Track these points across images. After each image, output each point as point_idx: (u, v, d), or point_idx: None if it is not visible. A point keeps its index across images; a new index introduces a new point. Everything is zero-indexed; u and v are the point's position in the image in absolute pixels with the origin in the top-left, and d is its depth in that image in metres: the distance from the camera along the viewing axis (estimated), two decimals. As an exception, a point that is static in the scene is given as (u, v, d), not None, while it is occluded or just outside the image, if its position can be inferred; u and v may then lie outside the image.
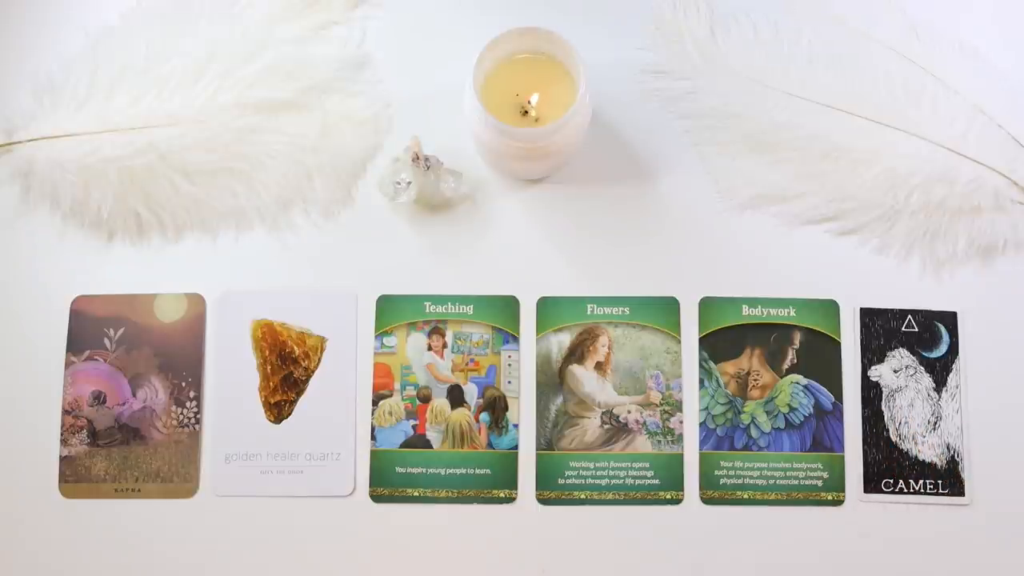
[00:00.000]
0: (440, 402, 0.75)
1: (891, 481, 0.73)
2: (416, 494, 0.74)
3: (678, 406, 0.74)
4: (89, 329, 0.75)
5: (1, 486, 0.74)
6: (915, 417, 0.74)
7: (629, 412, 0.74)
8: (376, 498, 0.73)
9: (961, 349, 0.75)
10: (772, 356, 0.75)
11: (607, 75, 0.77)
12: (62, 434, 0.74)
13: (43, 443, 0.74)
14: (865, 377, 0.75)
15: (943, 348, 0.75)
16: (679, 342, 0.75)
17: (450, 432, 0.74)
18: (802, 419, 0.74)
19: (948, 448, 0.73)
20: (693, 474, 0.74)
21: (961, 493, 0.73)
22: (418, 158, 0.74)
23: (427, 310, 0.76)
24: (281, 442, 0.74)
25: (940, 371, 0.74)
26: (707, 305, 0.75)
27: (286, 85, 0.77)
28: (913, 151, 0.75)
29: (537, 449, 0.74)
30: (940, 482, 0.73)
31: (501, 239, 0.77)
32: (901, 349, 0.75)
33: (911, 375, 0.74)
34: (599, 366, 0.75)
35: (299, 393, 0.75)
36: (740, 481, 0.73)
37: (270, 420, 0.74)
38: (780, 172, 0.76)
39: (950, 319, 0.75)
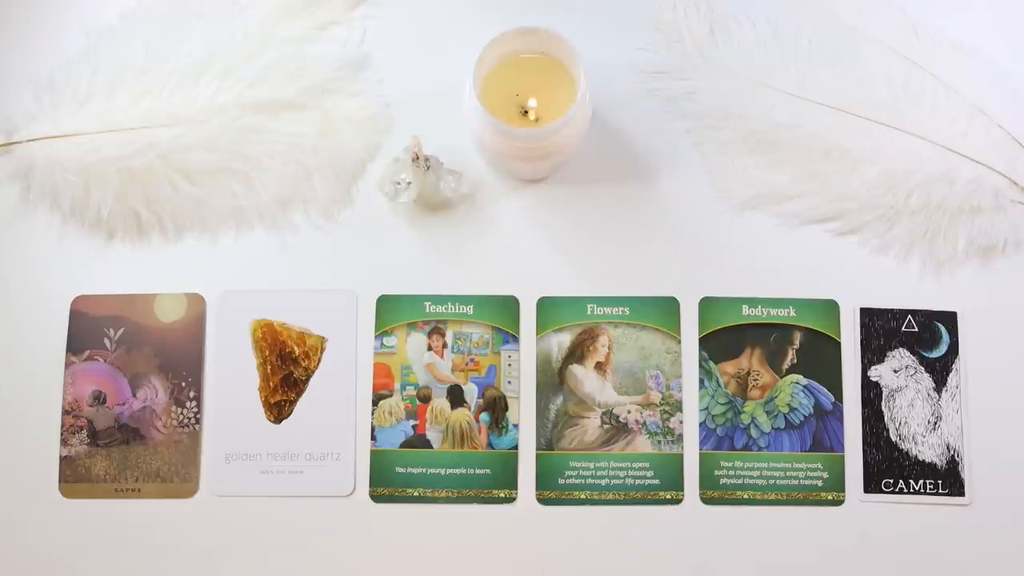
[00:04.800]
0: (440, 402, 0.75)
1: (891, 481, 0.73)
2: (416, 494, 0.74)
3: (678, 406, 0.74)
4: (89, 329, 0.75)
5: (1, 486, 0.74)
6: (915, 417, 0.74)
7: (629, 412, 0.74)
8: (376, 498, 0.73)
9: (961, 349, 0.75)
10: (772, 356, 0.75)
11: (607, 75, 0.77)
12: (62, 434, 0.74)
13: (43, 443, 0.74)
14: (865, 377, 0.75)
15: (943, 348, 0.75)
16: (679, 342, 0.75)
17: (450, 432, 0.74)
18: (802, 419, 0.74)
19: (948, 448, 0.73)
20: (693, 474, 0.74)
21: (961, 493, 0.73)
22: (418, 158, 0.74)
23: (427, 310, 0.76)
24: (281, 442, 0.74)
25: (940, 371, 0.74)
26: (707, 305, 0.75)
27: (286, 85, 0.77)
28: (913, 151, 0.75)
29: (537, 449, 0.74)
30: (940, 482, 0.73)
31: (501, 239, 0.77)
32: (901, 349, 0.75)
33: (911, 375, 0.74)
34: (599, 366, 0.75)
35: (299, 393, 0.75)
36: (740, 481, 0.73)
37: (270, 420, 0.74)
38: (780, 172, 0.76)
39: (950, 319, 0.75)
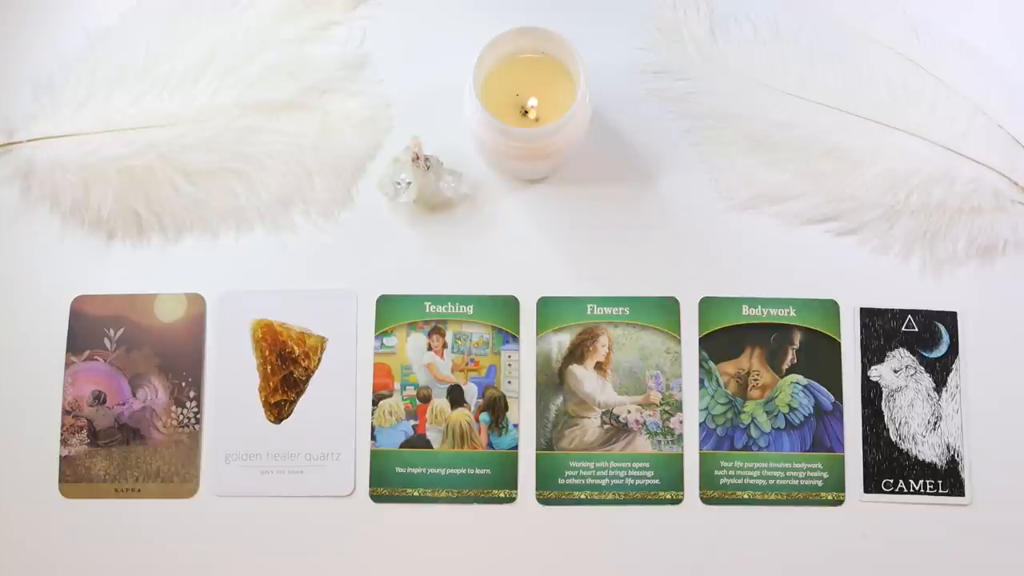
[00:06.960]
0: (440, 402, 0.75)
1: (891, 481, 0.73)
2: (416, 494, 0.74)
3: (678, 406, 0.74)
4: (89, 329, 0.75)
5: (1, 486, 0.74)
6: (915, 417, 0.74)
7: (629, 412, 0.74)
8: (376, 498, 0.73)
9: (961, 349, 0.75)
10: (772, 356, 0.75)
11: (607, 75, 0.77)
12: (62, 434, 0.74)
13: (43, 443, 0.74)
14: (865, 377, 0.75)
15: (943, 348, 0.75)
16: (679, 342, 0.75)
17: (450, 432, 0.74)
18: (802, 419, 0.74)
19: (948, 448, 0.73)
20: (693, 474, 0.74)
21: (961, 493, 0.73)
22: (418, 158, 0.74)
23: (427, 310, 0.76)
24: (281, 442, 0.74)
25: (940, 371, 0.74)
26: (707, 305, 0.75)
27: (286, 85, 0.77)
28: (913, 151, 0.75)
29: (537, 449, 0.74)
30: (940, 482, 0.73)
31: (501, 239, 0.77)
32: (901, 349, 0.75)
33: (911, 375, 0.74)
34: (599, 366, 0.75)
35: (299, 393, 0.75)
36: (740, 481, 0.73)
37: (270, 420, 0.74)
38: (780, 172, 0.76)
39: (950, 319, 0.75)
